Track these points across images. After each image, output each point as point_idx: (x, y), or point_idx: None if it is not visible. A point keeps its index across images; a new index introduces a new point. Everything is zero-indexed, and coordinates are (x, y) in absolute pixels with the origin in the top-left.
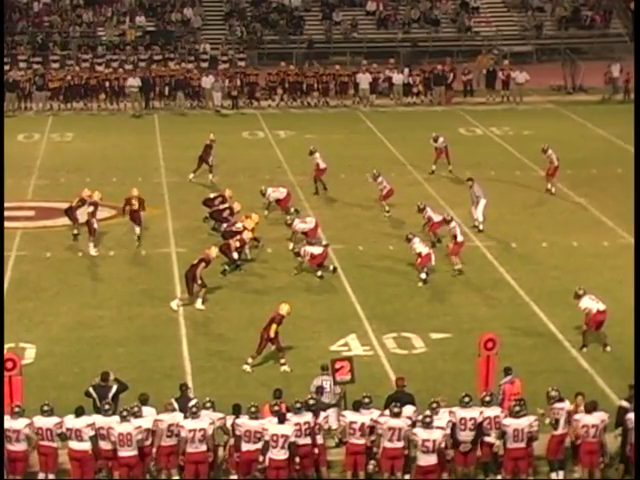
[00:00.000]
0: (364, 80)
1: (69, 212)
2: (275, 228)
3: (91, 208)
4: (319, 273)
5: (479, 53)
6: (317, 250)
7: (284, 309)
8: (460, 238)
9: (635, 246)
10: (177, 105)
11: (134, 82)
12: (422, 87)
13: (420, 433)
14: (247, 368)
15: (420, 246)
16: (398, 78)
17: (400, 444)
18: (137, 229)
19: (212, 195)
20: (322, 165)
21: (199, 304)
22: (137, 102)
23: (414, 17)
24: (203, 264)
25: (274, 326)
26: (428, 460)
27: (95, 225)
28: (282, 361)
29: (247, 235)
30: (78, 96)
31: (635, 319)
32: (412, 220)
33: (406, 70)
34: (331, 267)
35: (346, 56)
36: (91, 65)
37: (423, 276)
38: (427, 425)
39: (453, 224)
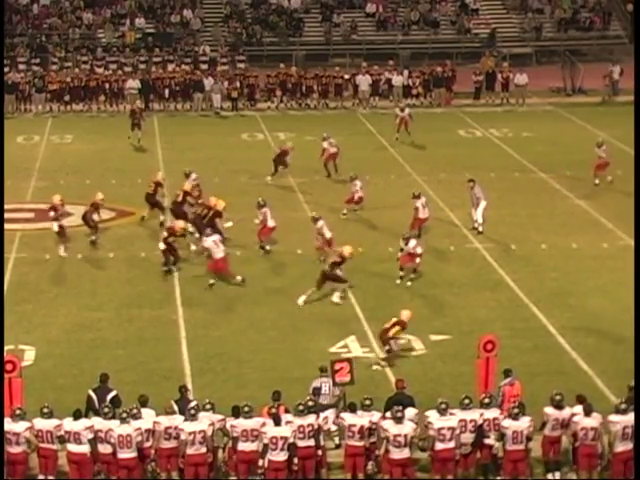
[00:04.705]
0: (364, 82)
1: (85, 218)
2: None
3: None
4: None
5: (478, 55)
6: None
7: (405, 315)
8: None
9: (635, 248)
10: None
11: (133, 84)
12: (422, 89)
13: (391, 428)
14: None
15: (419, 248)
16: (398, 80)
17: None
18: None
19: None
20: (332, 150)
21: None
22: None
23: (414, 19)
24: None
25: (397, 328)
26: (400, 454)
27: (61, 224)
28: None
29: (179, 225)
30: (78, 98)
31: (635, 320)
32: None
33: (406, 72)
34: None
35: (346, 58)
36: (90, 67)
37: (400, 273)
38: (399, 420)
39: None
